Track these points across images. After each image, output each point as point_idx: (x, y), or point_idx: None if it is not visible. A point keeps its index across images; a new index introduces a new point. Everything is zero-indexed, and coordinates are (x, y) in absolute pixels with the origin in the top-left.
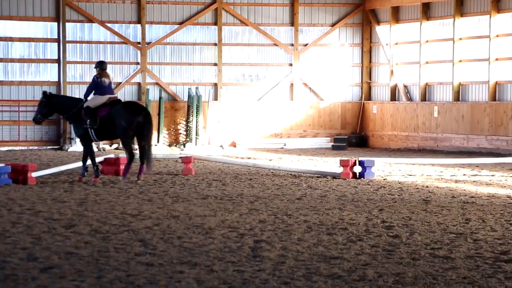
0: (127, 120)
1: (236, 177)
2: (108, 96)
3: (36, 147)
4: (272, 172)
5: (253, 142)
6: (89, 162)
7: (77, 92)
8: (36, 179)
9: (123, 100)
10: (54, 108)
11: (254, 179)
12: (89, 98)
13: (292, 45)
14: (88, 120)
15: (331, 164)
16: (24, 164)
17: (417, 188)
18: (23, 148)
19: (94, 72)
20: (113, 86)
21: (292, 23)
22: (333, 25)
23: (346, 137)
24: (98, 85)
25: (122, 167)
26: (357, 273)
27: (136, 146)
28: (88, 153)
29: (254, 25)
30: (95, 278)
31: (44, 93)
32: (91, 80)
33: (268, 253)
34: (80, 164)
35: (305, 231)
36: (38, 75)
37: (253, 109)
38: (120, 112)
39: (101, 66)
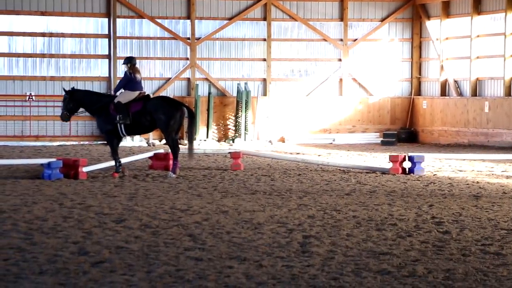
0: (168, 114)
1: (285, 173)
2: (138, 91)
3: (86, 142)
4: (321, 168)
5: (302, 138)
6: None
7: None
8: (87, 173)
9: (166, 96)
10: (79, 103)
11: (303, 174)
12: (118, 93)
13: (341, 40)
14: (120, 115)
15: (381, 159)
16: (75, 159)
17: (468, 184)
18: (74, 143)
19: (123, 68)
20: (142, 82)
21: (341, 18)
22: (382, 20)
23: (395, 132)
24: (130, 81)
25: (171, 162)
26: (407, 269)
27: (181, 141)
28: (111, 148)
29: (303, 20)
30: (145, 272)
31: (65, 89)
32: (123, 75)
33: (317, 248)
34: (128, 159)
35: (354, 226)
36: (89, 70)
37: (302, 105)
38: (159, 106)
39: (131, 61)
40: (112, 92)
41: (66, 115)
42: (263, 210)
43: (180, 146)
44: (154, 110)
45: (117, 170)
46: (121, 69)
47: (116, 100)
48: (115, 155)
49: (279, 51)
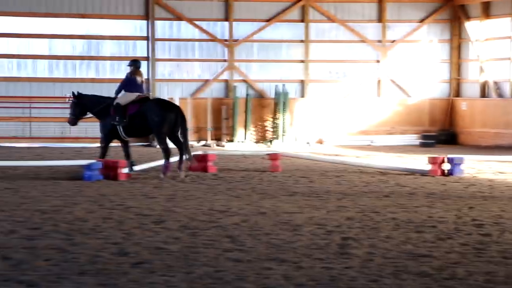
0: (160, 116)
1: (323, 174)
2: (137, 93)
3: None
4: (359, 169)
5: (340, 139)
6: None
7: (165, 90)
8: (126, 175)
9: (161, 98)
10: (84, 107)
11: (341, 176)
12: (119, 95)
13: (380, 41)
14: (117, 117)
15: (420, 161)
16: (115, 160)
17: (508, 186)
18: (113, 145)
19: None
20: (144, 85)
21: (379, 20)
22: (421, 21)
23: (434, 134)
24: (130, 83)
25: (209, 163)
26: (447, 271)
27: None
28: (103, 149)
29: (341, 21)
30: (185, 273)
31: (73, 93)
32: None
33: (356, 250)
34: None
35: (393, 228)
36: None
37: (340, 106)
38: (152, 108)
39: (135, 64)
40: (114, 94)
41: (73, 119)
42: (301, 212)
43: (219, 147)
44: (148, 112)
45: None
46: (158, 71)
47: (115, 102)
48: (102, 155)
49: (317, 53)
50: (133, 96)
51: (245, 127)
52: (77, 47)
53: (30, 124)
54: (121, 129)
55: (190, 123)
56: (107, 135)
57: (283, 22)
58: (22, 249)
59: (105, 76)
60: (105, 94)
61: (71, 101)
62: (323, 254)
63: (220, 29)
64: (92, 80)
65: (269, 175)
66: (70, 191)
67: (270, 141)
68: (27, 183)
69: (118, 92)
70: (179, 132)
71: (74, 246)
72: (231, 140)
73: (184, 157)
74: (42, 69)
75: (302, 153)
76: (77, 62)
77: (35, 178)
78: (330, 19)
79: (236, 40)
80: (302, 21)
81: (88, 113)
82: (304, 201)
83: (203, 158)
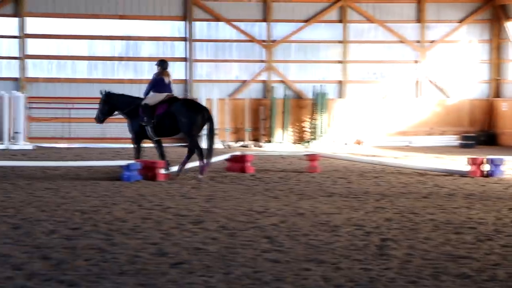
0: (188, 117)
1: (362, 175)
2: (165, 94)
3: (164, 144)
4: (398, 170)
5: (378, 140)
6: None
7: (203, 90)
8: (165, 175)
9: (188, 99)
10: (114, 106)
11: (379, 177)
12: (148, 96)
13: (419, 42)
14: (146, 118)
15: (459, 162)
16: (153, 161)
17: None
18: (152, 145)
19: (155, 69)
20: (172, 85)
21: (418, 20)
22: (461, 21)
23: (474, 135)
24: (158, 83)
25: (247, 164)
26: (487, 273)
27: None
28: (136, 150)
29: (380, 22)
30: (223, 274)
31: (101, 92)
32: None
33: (394, 251)
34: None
35: (432, 230)
36: None
37: (378, 107)
38: (180, 109)
39: (162, 65)
40: (143, 95)
41: (100, 117)
42: (340, 213)
43: (257, 148)
44: (177, 113)
45: None
46: (196, 72)
47: (143, 103)
48: (136, 154)
49: (356, 53)
50: (161, 96)
51: (283, 127)
52: (116, 48)
53: (69, 124)
54: (150, 129)
55: (228, 124)
56: (137, 136)
57: (322, 22)
58: (62, 249)
59: (143, 76)
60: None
61: (100, 99)
62: (362, 255)
63: (258, 29)
64: (131, 81)
65: (307, 175)
66: (110, 191)
67: (308, 142)
68: (67, 183)
69: (146, 93)
70: (205, 134)
71: (114, 246)
72: (269, 141)
73: (205, 159)
74: (81, 70)
75: (340, 153)
76: (116, 63)
77: (75, 179)
78: (369, 20)
79: (274, 41)
80: (341, 21)
81: (116, 112)
82: (342, 202)
83: (241, 159)
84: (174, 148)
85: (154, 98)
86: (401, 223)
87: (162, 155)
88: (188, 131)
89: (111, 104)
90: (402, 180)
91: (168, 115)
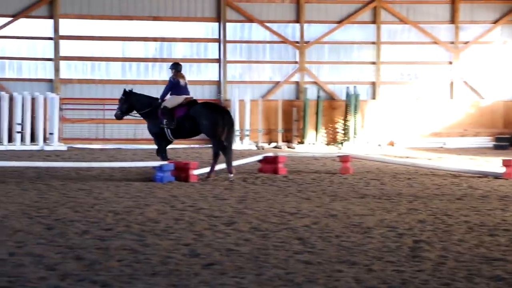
0: (210, 119)
1: (395, 176)
2: (184, 96)
3: (197, 146)
4: (431, 172)
5: (411, 141)
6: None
7: (236, 92)
8: (197, 176)
9: (208, 102)
10: (132, 105)
11: (413, 178)
12: (166, 98)
13: (452, 43)
14: (165, 120)
15: (493, 164)
16: (186, 162)
17: None
18: (184, 146)
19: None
20: (188, 87)
21: (452, 21)
22: (495, 22)
23: (508, 136)
24: (175, 86)
25: (280, 165)
26: None
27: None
28: (159, 149)
29: (414, 22)
30: (255, 275)
31: (124, 90)
32: (168, 81)
33: (427, 253)
34: (237, 162)
35: (466, 231)
36: (199, 74)
37: (411, 108)
38: (201, 112)
39: (176, 67)
40: (159, 98)
41: (120, 115)
42: (372, 214)
43: (289, 149)
44: (198, 116)
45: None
46: (229, 73)
47: (163, 105)
48: (162, 154)
49: (389, 54)
50: (180, 99)
51: (316, 129)
52: (150, 49)
53: (103, 125)
54: (169, 132)
55: (260, 125)
56: (157, 135)
57: (355, 23)
58: (95, 250)
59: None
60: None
61: (120, 97)
62: (395, 257)
63: (291, 30)
64: (164, 82)
65: (339, 177)
66: (142, 192)
67: (341, 143)
68: (100, 184)
69: (163, 96)
70: (225, 136)
71: (146, 247)
72: (302, 142)
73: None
74: (115, 71)
75: (373, 155)
76: (150, 64)
77: (108, 179)
78: (402, 21)
79: (307, 42)
80: (374, 22)
81: (134, 111)
82: (375, 203)
83: (273, 160)
84: (206, 149)
85: (173, 100)
86: (435, 225)
87: (163, 152)
88: (210, 132)
89: (130, 103)
90: (435, 182)
91: (188, 118)
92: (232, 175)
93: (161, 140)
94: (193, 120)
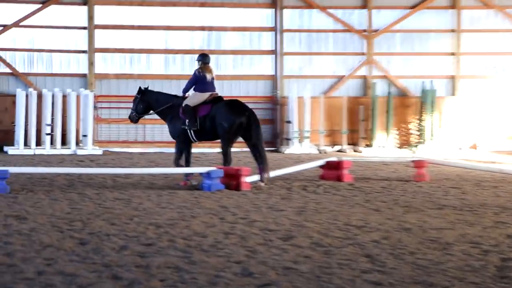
0: (229, 121)
1: (478, 184)
2: (209, 93)
3: (237, 150)
4: None
5: (497, 144)
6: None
7: (294, 87)
8: (250, 184)
9: (233, 100)
10: (148, 104)
11: (499, 186)
12: (188, 94)
13: None
14: (187, 121)
15: None
16: (237, 168)
17: None
18: (236, 149)
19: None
20: (215, 82)
21: None
22: None
23: None
24: (199, 81)
25: (345, 171)
26: None
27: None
28: (181, 155)
29: (500, 7)
30: None
31: (140, 88)
32: (192, 74)
33: None
34: (296, 168)
35: None
36: (252, 68)
37: (497, 106)
38: (221, 111)
39: (203, 59)
40: (182, 93)
41: (135, 116)
42: (452, 228)
43: (356, 153)
44: (217, 115)
45: (186, 178)
46: (286, 66)
47: (184, 103)
48: (177, 162)
49: (470, 44)
50: (204, 96)
51: (386, 130)
52: (196, 39)
53: (143, 126)
54: (192, 133)
55: (322, 126)
56: (180, 139)
57: (431, 9)
58: (134, 268)
59: (226, 72)
60: (226, 93)
61: (135, 96)
62: (478, 278)
63: (357, 18)
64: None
65: (414, 185)
66: (188, 202)
67: (415, 146)
68: (140, 193)
69: (185, 91)
70: (254, 141)
71: (192, 264)
72: (370, 145)
73: (262, 166)
74: (157, 64)
75: (452, 160)
76: (196, 56)
77: (148, 188)
78: (486, 5)
79: (375, 31)
80: (453, 7)
81: (151, 111)
82: (455, 215)
83: (337, 166)
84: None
85: (196, 98)
86: None
87: (187, 160)
88: (225, 134)
89: (147, 102)
90: None
91: (210, 117)
92: (263, 184)
93: (184, 146)
94: (213, 120)
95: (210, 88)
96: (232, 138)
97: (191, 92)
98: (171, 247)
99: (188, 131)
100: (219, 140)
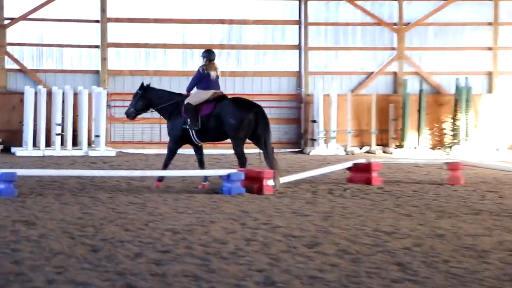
0: (237, 118)
1: None
2: (212, 91)
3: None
4: None
5: None
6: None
7: (320, 84)
8: (273, 188)
9: (238, 97)
10: (149, 101)
11: None
12: (191, 92)
13: None
14: (189, 120)
15: None
16: (259, 170)
17: None
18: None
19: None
20: (219, 80)
21: None
22: None
23: None
24: (203, 78)
25: (374, 174)
26: None
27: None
28: (172, 156)
29: None
30: None
31: (142, 84)
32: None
33: None
34: (321, 171)
35: None
36: (275, 64)
37: None
38: (227, 108)
39: (209, 56)
40: (186, 91)
41: (132, 113)
42: (489, 235)
43: (386, 154)
44: (224, 113)
45: (159, 179)
46: (312, 62)
47: (186, 102)
48: (165, 165)
49: (509, 38)
50: (207, 94)
51: (418, 130)
52: (215, 33)
53: (159, 126)
54: (194, 133)
55: (350, 125)
56: (176, 140)
57: (466, 0)
58: (150, 276)
59: (247, 68)
60: (247, 90)
61: (136, 92)
62: None
63: (387, 10)
64: (232, 74)
65: (448, 188)
66: (207, 206)
67: (450, 147)
68: (156, 197)
69: (189, 89)
70: (263, 140)
71: (211, 273)
72: (401, 146)
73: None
74: (174, 60)
75: (489, 161)
76: (215, 51)
77: (165, 191)
78: None
79: (407, 24)
80: None
81: (151, 109)
82: (492, 221)
83: (366, 168)
84: (283, 154)
85: (199, 96)
86: None
87: (201, 163)
88: (234, 133)
89: (148, 99)
90: None
91: (214, 116)
92: (276, 183)
93: (178, 146)
94: (219, 119)
95: (214, 86)
96: (242, 136)
97: (194, 90)
98: (188, 255)
99: (190, 131)
100: (228, 140)
